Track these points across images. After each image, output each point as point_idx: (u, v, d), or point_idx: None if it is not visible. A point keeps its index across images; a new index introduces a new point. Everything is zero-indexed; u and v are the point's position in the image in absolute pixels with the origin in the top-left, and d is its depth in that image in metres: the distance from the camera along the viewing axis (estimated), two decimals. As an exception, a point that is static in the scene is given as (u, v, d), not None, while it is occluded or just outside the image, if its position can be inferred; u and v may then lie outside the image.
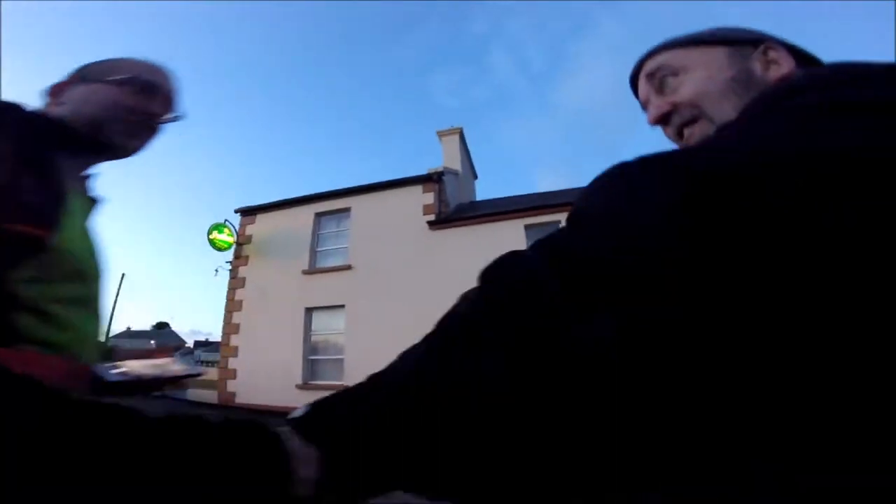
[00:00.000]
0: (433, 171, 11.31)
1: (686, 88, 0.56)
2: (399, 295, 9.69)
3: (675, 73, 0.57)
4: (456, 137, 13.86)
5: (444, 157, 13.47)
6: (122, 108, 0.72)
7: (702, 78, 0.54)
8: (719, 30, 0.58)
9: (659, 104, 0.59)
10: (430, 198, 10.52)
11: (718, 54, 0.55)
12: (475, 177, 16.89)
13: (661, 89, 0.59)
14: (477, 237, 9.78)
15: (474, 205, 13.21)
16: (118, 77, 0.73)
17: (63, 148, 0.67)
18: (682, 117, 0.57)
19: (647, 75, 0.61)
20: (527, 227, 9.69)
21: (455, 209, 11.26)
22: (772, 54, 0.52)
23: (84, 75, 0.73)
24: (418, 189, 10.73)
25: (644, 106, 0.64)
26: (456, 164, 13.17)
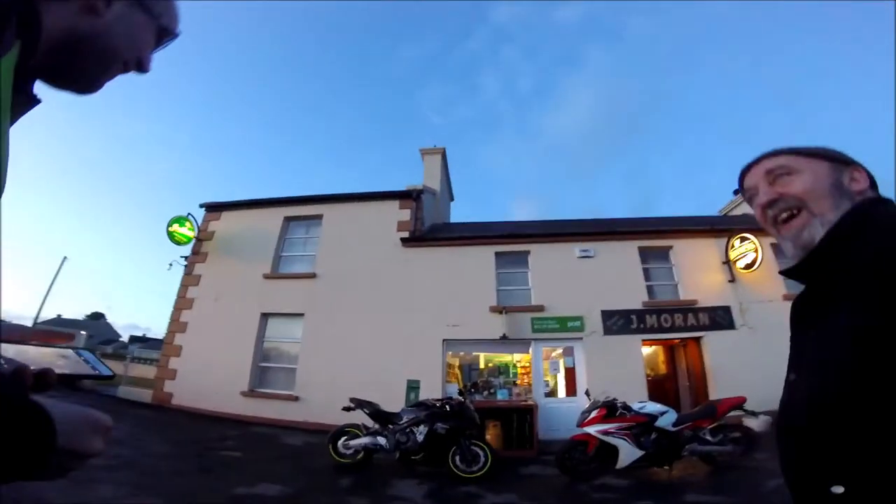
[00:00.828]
0: (412, 188, 11.31)
1: (796, 185, 0.74)
2: (364, 309, 9.45)
3: (790, 173, 0.76)
4: (438, 157, 14.02)
5: (424, 174, 13.54)
6: (140, 54, 0.63)
7: (810, 180, 0.74)
8: (825, 149, 0.78)
9: (769, 191, 0.77)
10: (406, 214, 10.48)
11: (823, 165, 0.75)
12: (451, 198, 17.06)
13: (774, 182, 0.77)
14: (449, 259, 9.79)
15: (448, 226, 13.28)
16: (165, 23, 0.65)
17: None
18: (788, 204, 0.75)
19: (766, 170, 0.79)
20: (497, 255, 9.82)
21: (429, 229, 11.26)
22: (855, 174, 0.74)
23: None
24: (395, 204, 10.69)
25: (748, 191, 0.83)
26: (435, 183, 13.27)
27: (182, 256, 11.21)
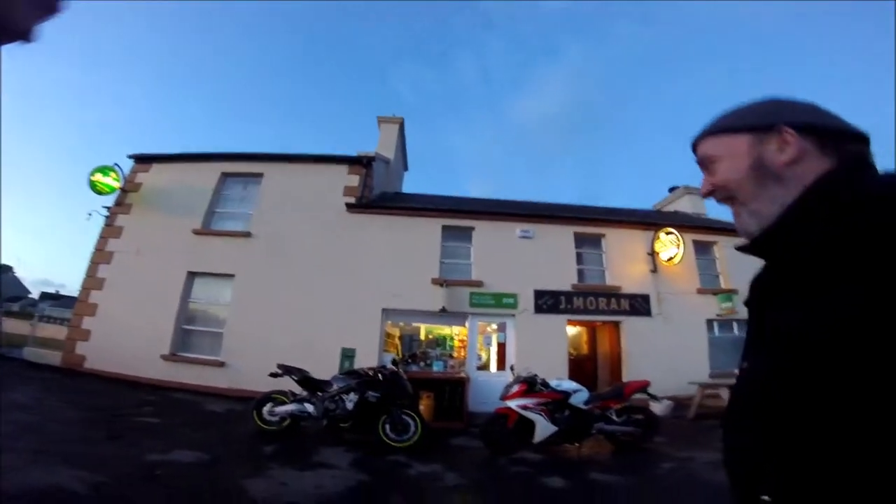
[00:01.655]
0: (363, 154, 10.97)
1: (719, 174, 0.68)
2: (301, 273, 9.17)
3: (713, 161, 0.69)
4: (395, 126, 13.68)
5: (379, 142, 13.21)
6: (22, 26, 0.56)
7: (727, 168, 0.67)
8: (748, 114, 0.67)
9: (705, 184, 0.72)
10: (354, 180, 10.16)
11: (741, 143, 0.65)
12: (405, 168, 16.78)
13: (707, 171, 0.71)
14: (394, 228, 9.70)
15: (399, 196, 13.10)
16: None
17: None
18: (722, 194, 0.69)
19: (697, 161, 0.73)
20: (444, 228, 9.88)
21: (379, 197, 11.05)
22: (781, 142, 0.61)
23: None
24: (343, 169, 10.31)
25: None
26: (389, 152, 12.97)
27: (104, 207, 10.22)
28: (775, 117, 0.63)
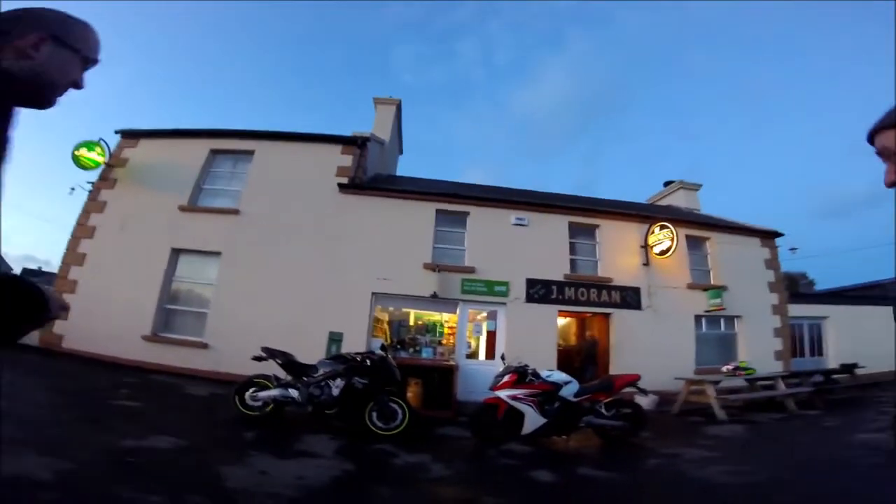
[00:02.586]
0: (358, 134, 10.67)
1: None
2: (289, 253, 8.94)
3: None
4: (392, 108, 13.37)
5: (374, 123, 12.93)
6: (72, 81, 0.83)
7: None
8: None
9: (890, 174, 0.73)
10: (347, 160, 9.86)
11: None
12: (401, 151, 16.47)
13: (892, 162, 0.73)
14: (388, 211, 9.47)
15: (393, 178, 12.85)
16: (86, 54, 0.83)
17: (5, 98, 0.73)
18: None
19: (877, 152, 0.75)
20: (438, 212, 9.67)
21: (372, 178, 10.78)
22: None
23: (60, 37, 0.78)
24: (336, 149, 9.98)
25: (878, 151, 0.77)
26: (385, 133, 12.69)
27: (88, 182, 9.85)
28: None
